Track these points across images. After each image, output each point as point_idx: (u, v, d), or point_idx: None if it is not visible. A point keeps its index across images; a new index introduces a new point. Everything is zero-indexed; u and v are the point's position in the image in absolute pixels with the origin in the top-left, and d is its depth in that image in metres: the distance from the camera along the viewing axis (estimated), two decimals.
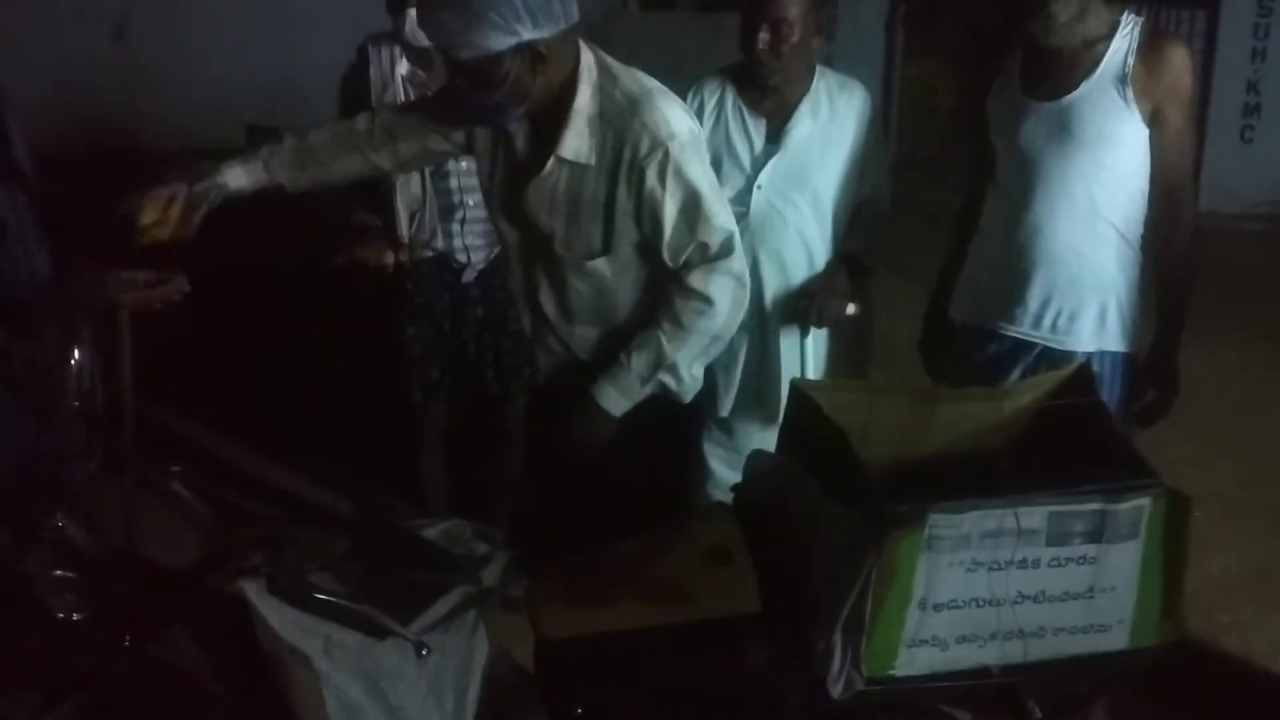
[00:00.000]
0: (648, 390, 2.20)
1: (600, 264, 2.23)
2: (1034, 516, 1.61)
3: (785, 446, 1.93)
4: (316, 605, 1.43)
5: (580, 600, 1.73)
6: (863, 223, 2.85)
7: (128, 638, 1.50)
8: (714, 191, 2.19)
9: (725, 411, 2.96)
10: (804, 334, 2.84)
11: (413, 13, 2.85)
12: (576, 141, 2.11)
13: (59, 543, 1.52)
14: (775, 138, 2.79)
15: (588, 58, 2.15)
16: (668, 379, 2.21)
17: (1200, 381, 2.55)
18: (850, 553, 1.60)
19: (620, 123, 2.10)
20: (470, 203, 3.06)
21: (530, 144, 2.23)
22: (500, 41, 1.97)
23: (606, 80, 2.14)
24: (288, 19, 10.26)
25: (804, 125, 2.77)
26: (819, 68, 2.81)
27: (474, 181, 2.84)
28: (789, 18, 2.62)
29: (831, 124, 2.79)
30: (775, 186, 2.78)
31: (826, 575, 1.65)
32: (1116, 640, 1.70)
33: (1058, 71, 2.45)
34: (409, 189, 3.01)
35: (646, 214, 2.14)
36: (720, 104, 2.84)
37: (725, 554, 1.76)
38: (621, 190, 2.13)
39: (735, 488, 1.99)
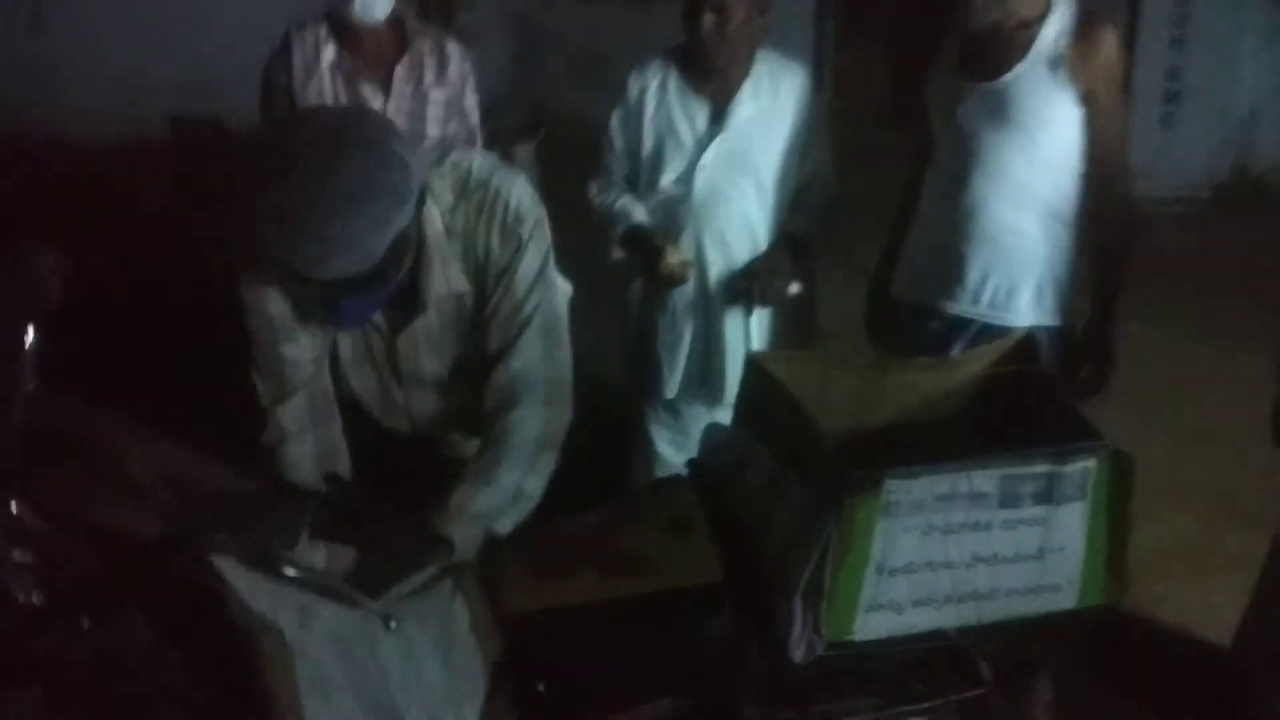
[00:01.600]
0: (474, 539, 1.78)
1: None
2: (985, 480, 1.64)
3: (742, 419, 1.95)
4: (283, 579, 1.42)
5: (541, 573, 1.74)
6: (809, 204, 2.89)
7: (86, 621, 1.48)
8: (544, 278, 1.88)
9: (671, 393, 2.99)
10: (747, 314, 2.88)
11: None
12: (443, 273, 1.80)
13: (13, 527, 1.50)
14: (718, 119, 2.82)
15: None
16: (489, 513, 1.81)
17: (1128, 358, 2.62)
18: (809, 520, 1.63)
19: (475, 229, 1.81)
20: None
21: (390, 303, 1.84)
22: (382, 243, 1.57)
23: (449, 190, 1.80)
24: (207, 8, 10.10)
25: (746, 106, 2.80)
26: (760, 50, 2.84)
27: None
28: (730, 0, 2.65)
29: (774, 105, 2.82)
30: (718, 167, 2.81)
31: (785, 543, 1.67)
32: (1066, 600, 1.74)
33: (993, 53, 2.50)
34: None
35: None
36: (663, 86, 2.86)
37: (686, 525, 1.78)
38: (489, 292, 1.86)
39: (691, 462, 2.01)
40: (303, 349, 1.84)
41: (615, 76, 2.93)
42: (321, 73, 2.87)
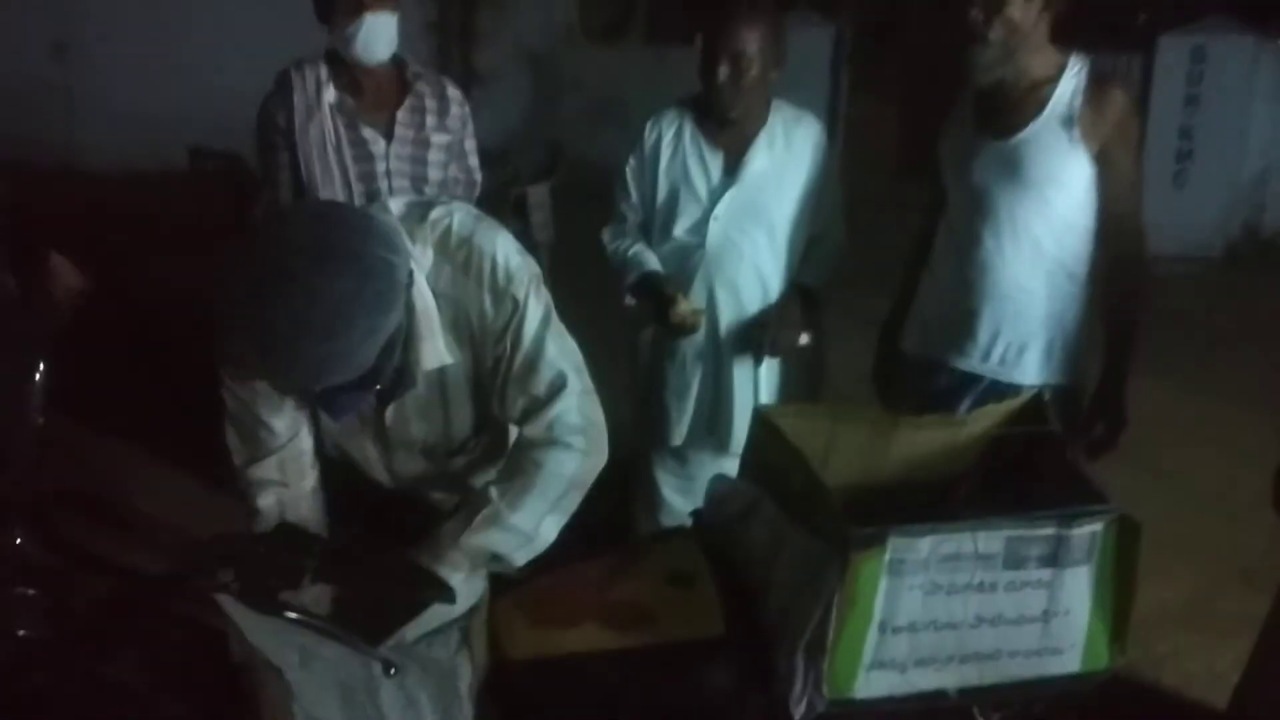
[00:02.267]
0: (482, 560, 1.81)
1: (466, 450, 1.97)
2: (991, 540, 1.65)
3: (747, 471, 1.95)
4: (286, 620, 1.42)
5: (543, 622, 1.73)
6: (821, 255, 2.90)
7: (86, 655, 1.48)
8: (549, 322, 1.83)
9: (678, 441, 2.99)
10: (757, 363, 2.88)
11: (368, 19, 2.73)
12: (433, 346, 1.75)
13: (18, 560, 1.50)
14: (732, 170, 2.83)
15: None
16: (503, 542, 1.80)
17: (1137, 416, 2.61)
18: (813, 575, 1.62)
19: (461, 291, 1.75)
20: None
21: None
22: (372, 352, 1.54)
23: (431, 249, 1.75)
24: (227, 40, 10.21)
25: (760, 158, 2.82)
26: (775, 101, 2.86)
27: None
28: (749, 51, 2.67)
29: (787, 157, 2.84)
30: (731, 218, 2.82)
31: (789, 598, 1.67)
32: (1069, 663, 1.74)
33: (1007, 112, 2.51)
34: None
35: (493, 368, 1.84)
36: (678, 136, 2.88)
37: (688, 577, 1.78)
38: (481, 355, 1.82)
39: (696, 512, 2.01)
40: (282, 417, 1.81)
41: (631, 119, 2.94)
42: (323, 114, 2.83)
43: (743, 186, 2.82)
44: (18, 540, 1.53)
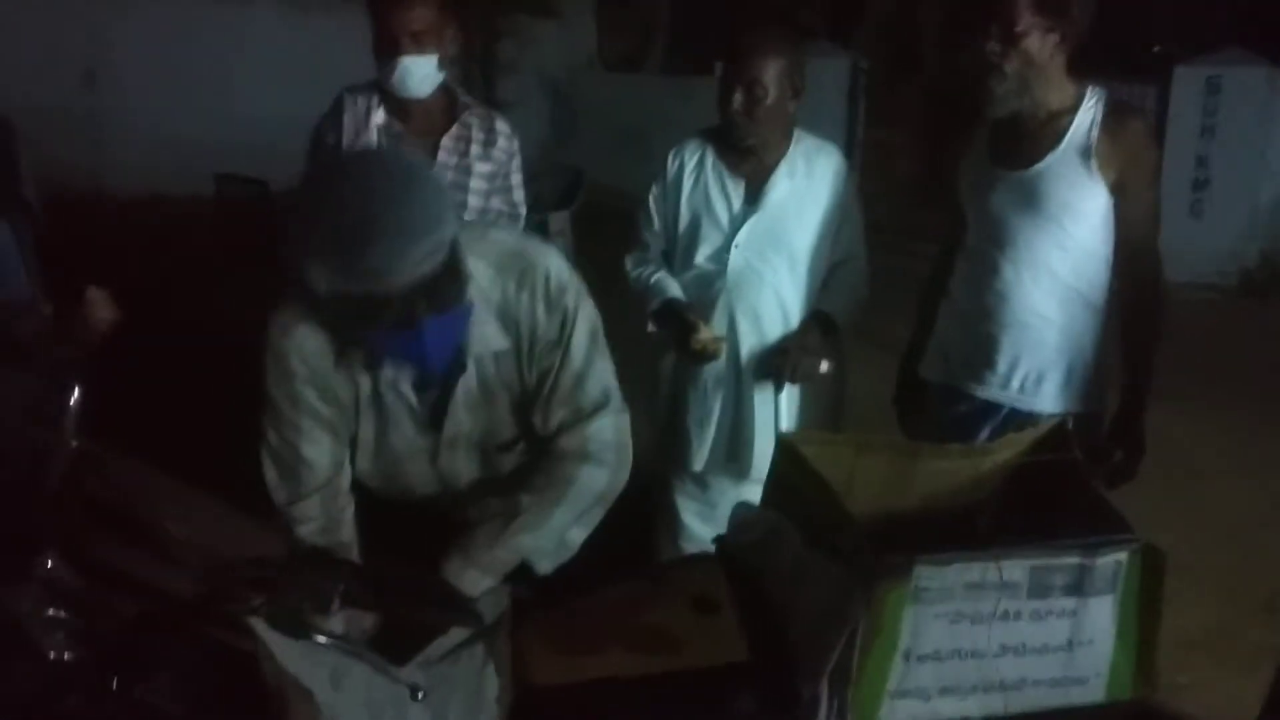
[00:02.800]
0: (512, 564, 1.87)
1: (510, 448, 2.01)
2: (1016, 569, 1.64)
3: (771, 498, 1.96)
4: (316, 644, 1.43)
5: (568, 647, 1.73)
6: (841, 282, 2.92)
7: (115, 680, 1.49)
8: (598, 339, 1.91)
9: (699, 466, 3.00)
10: (778, 390, 2.89)
11: (405, 61, 2.82)
12: (484, 331, 1.81)
13: (49, 582, 1.52)
14: (753, 198, 2.86)
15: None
16: (534, 549, 1.89)
17: (1155, 443, 2.61)
18: (838, 603, 1.62)
19: (516, 303, 1.82)
20: None
21: None
22: (442, 236, 1.60)
23: (489, 249, 1.82)
24: (254, 68, 10.34)
25: (781, 186, 2.84)
26: (796, 130, 2.89)
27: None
28: (764, 80, 2.70)
29: (808, 185, 2.86)
30: (752, 246, 2.84)
31: (813, 626, 1.67)
32: (1093, 693, 1.73)
33: (1024, 142, 2.54)
34: None
35: (540, 379, 1.90)
36: (700, 165, 2.91)
37: (712, 603, 1.78)
38: (528, 363, 1.88)
39: (719, 538, 2.01)
40: (323, 451, 1.86)
41: (650, 148, 2.98)
42: (370, 134, 2.93)
43: (764, 215, 2.84)
44: (49, 563, 1.54)
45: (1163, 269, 2.56)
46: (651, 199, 2.96)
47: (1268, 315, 7.60)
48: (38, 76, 9.17)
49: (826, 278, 2.93)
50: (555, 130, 11.31)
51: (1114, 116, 2.48)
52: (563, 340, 1.84)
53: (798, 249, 2.87)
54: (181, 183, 9.19)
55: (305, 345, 1.79)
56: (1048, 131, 2.51)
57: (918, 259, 2.94)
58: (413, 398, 1.88)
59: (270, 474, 1.87)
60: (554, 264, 1.84)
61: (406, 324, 1.63)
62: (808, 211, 2.87)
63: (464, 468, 2.00)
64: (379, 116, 2.94)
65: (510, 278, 1.80)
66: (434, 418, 1.91)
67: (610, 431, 1.90)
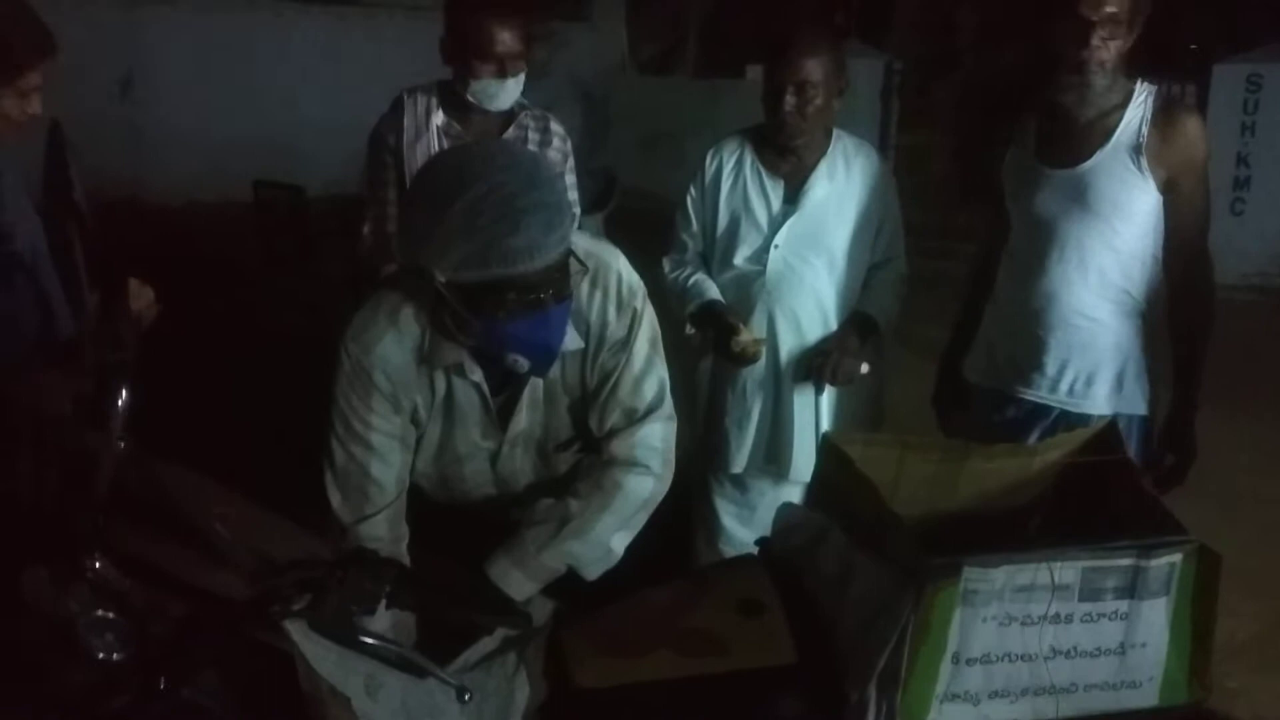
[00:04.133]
0: (559, 570, 1.89)
1: (567, 448, 2.02)
2: (1067, 571, 1.62)
3: (816, 499, 1.94)
4: (359, 646, 1.43)
5: (613, 650, 1.73)
6: (881, 283, 2.90)
7: (163, 681, 1.49)
8: (658, 346, 1.94)
9: (739, 468, 2.98)
10: (818, 392, 2.87)
11: (509, 83, 2.87)
12: (570, 331, 1.82)
13: (98, 583, 1.52)
14: (792, 199, 2.84)
15: None
16: (581, 555, 1.90)
17: (1203, 445, 2.57)
18: (885, 605, 1.61)
19: (588, 300, 1.85)
20: None
21: None
22: (567, 228, 1.66)
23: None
24: (287, 77, 10.41)
25: (821, 187, 2.82)
26: (835, 131, 2.87)
27: None
28: (814, 80, 2.69)
29: (847, 186, 2.84)
30: (792, 247, 2.83)
31: (860, 628, 1.65)
32: (1147, 697, 1.71)
33: (1072, 140, 2.49)
34: None
35: (601, 380, 1.91)
36: (739, 165, 2.89)
37: (757, 605, 1.77)
38: (592, 363, 1.90)
39: (763, 540, 2.00)
40: (391, 468, 1.87)
41: (683, 150, 2.98)
42: (430, 135, 2.97)
43: (803, 215, 2.82)
44: (97, 565, 1.55)
45: (1213, 269, 2.52)
46: (689, 200, 2.95)
47: None
48: (72, 85, 9.27)
49: (866, 278, 2.91)
50: (587, 133, 11.34)
51: (1165, 113, 2.44)
52: (629, 342, 1.87)
53: (837, 250, 2.85)
54: (219, 189, 9.28)
55: (390, 360, 1.81)
56: (1098, 128, 2.46)
57: (954, 261, 2.90)
58: (489, 397, 1.89)
59: (335, 496, 1.87)
60: (624, 266, 1.88)
61: (540, 307, 1.66)
62: (847, 212, 2.85)
63: (521, 468, 2.01)
64: (439, 117, 2.98)
65: (584, 277, 1.81)
66: (501, 418, 1.93)
67: (659, 438, 1.92)
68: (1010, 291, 2.64)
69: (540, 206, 1.60)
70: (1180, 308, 2.52)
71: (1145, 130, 2.42)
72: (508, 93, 2.90)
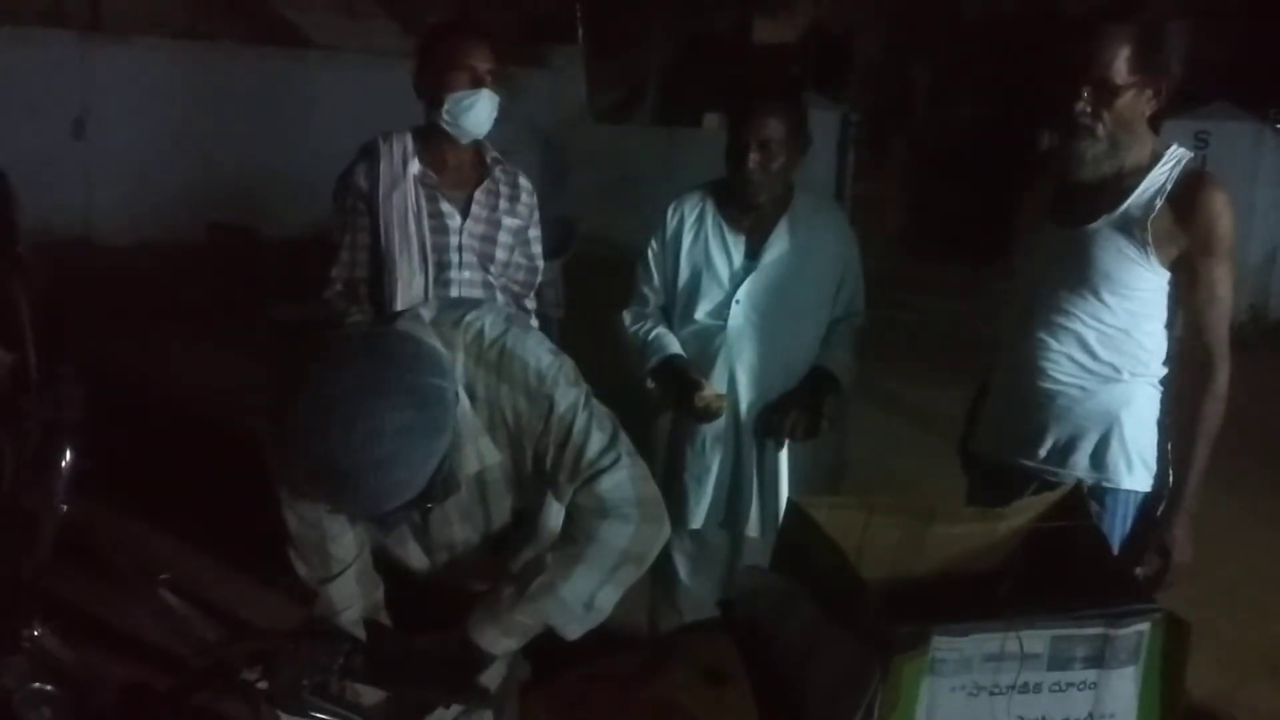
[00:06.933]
0: (535, 628, 1.82)
1: (512, 537, 1.98)
2: (1036, 640, 1.61)
3: (780, 562, 1.91)
4: (310, 719, 1.38)
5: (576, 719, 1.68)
6: (841, 338, 2.89)
7: None
8: (589, 409, 1.84)
9: (697, 524, 2.95)
10: (778, 448, 2.85)
11: (484, 93, 2.83)
12: (474, 449, 1.77)
13: (36, 654, 1.46)
14: (754, 254, 2.83)
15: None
16: (555, 612, 1.81)
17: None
18: (852, 675, 1.58)
19: (496, 394, 1.78)
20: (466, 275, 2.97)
21: None
22: (429, 473, 1.58)
23: (470, 339, 1.78)
24: (243, 118, 10.35)
25: (782, 243, 2.82)
26: (796, 186, 2.87)
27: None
28: (777, 138, 2.69)
29: (809, 242, 2.84)
30: (753, 302, 2.82)
31: (827, 698, 1.62)
32: None
33: (1082, 199, 2.30)
34: (411, 289, 2.94)
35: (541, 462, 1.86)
36: (700, 219, 2.88)
37: (722, 674, 1.73)
38: (520, 453, 1.84)
39: (725, 603, 1.97)
40: (346, 527, 1.85)
41: (641, 198, 2.96)
42: (407, 184, 2.90)
43: (765, 271, 2.81)
44: (36, 633, 1.49)
45: (1228, 361, 2.26)
46: (650, 253, 2.93)
47: (1258, 370, 7.58)
48: (26, 125, 9.16)
49: (826, 334, 2.90)
50: (546, 179, 11.35)
51: (1184, 184, 2.21)
52: (551, 424, 1.78)
53: (798, 305, 2.84)
54: (171, 230, 9.18)
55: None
56: (1109, 191, 2.25)
57: (907, 311, 2.86)
58: (415, 516, 1.85)
59: (298, 563, 1.85)
60: (533, 352, 1.79)
61: (396, 524, 1.72)
62: (809, 268, 2.84)
63: (460, 564, 1.97)
64: (415, 166, 2.92)
65: (489, 369, 1.76)
66: (423, 533, 1.92)
67: (628, 486, 1.82)
68: (1004, 352, 2.52)
69: (392, 484, 1.52)
70: (1184, 400, 2.30)
71: (1158, 202, 2.22)
72: (483, 106, 2.85)
